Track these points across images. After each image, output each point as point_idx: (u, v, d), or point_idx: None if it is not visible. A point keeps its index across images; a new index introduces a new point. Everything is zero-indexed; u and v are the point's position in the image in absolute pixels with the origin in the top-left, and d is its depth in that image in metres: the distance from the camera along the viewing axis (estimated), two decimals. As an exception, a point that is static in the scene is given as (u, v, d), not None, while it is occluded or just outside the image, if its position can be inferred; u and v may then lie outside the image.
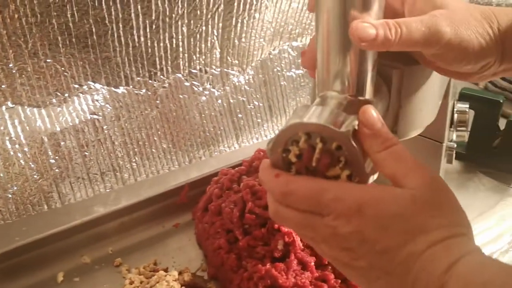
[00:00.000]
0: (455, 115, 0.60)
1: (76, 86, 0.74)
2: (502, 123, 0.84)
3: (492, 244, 0.68)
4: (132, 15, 0.73)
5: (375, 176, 0.38)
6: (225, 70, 0.89)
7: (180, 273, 0.63)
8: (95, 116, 0.77)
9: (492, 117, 0.83)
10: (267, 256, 0.58)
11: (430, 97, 0.47)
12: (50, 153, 0.74)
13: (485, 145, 0.85)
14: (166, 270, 0.63)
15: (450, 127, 0.60)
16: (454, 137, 0.61)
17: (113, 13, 0.71)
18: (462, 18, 0.39)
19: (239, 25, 0.85)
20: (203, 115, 0.89)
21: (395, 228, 0.33)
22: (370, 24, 0.36)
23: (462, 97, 0.81)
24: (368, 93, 0.40)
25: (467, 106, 0.60)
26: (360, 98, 0.39)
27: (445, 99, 0.54)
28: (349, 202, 0.34)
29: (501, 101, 0.81)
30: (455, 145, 0.62)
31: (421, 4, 0.40)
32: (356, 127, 0.36)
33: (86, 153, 0.78)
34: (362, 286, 0.37)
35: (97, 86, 0.76)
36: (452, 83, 0.54)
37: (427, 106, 0.46)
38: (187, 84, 0.85)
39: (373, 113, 0.36)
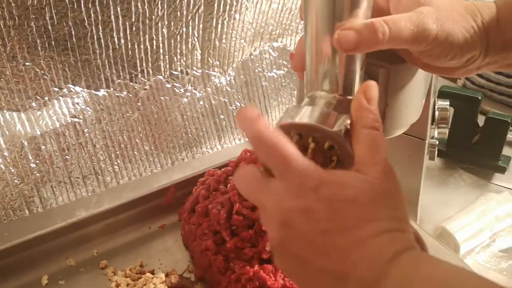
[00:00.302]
0: (436, 113, 0.61)
1: (56, 89, 0.73)
2: (481, 120, 0.86)
3: (473, 239, 0.69)
4: (112, 17, 0.72)
5: None
6: (206, 71, 0.89)
7: (167, 275, 0.63)
8: (75, 120, 0.76)
9: (471, 114, 0.84)
10: (255, 257, 0.58)
11: (416, 96, 0.47)
12: (30, 157, 0.73)
13: (465, 141, 0.87)
14: (152, 272, 0.63)
15: (432, 124, 0.61)
16: (436, 134, 0.62)
17: (92, 15, 0.70)
18: (447, 13, 0.39)
19: (219, 26, 0.85)
20: (185, 117, 0.89)
21: (345, 212, 0.33)
22: (352, 29, 0.36)
23: (442, 94, 0.82)
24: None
25: (448, 103, 0.61)
26: (349, 97, 0.39)
27: (427, 97, 0.55)
28: (311, 178, 0.34)
29: (480, 98, 0.83)
30: (437, 142, 0.63)
31: (406, 1, 0.40)
32: (348, 127, 0.36)
33: (67, 157, 0.77)
34: (290, 270, 0.35)
35: (77, 89, 0.75)
36: (433, 81, 0.55)
37: (412, 104, 0.47)
38: (168, 85, 0.85)
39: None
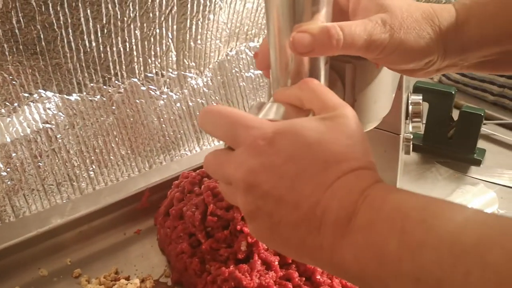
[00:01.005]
0: (410, 107, 0.61)
1: (26, 95, 0.71)
2: (455, 114, 0.86)
3: (451, 232, 0.69)
4: (82, 19, 0.71)
5: None
6: (182, 73, 0.88)
7: (142, 281, 0.61)
8: (48, 125, 0.75)
9: (446, 109, 0.85)
10: (230, 258, 0.57)
11: (384, 90, 0.47)
12: (1, 165, 0.71)
13: (441, 136, 0.87)
14: (127, 279, 0.62)
15: (406, 119, 0.61)
16: (410, 128, 0.62)
17: (61, 18, 0.69)
18: (402, 20, 0.39)
19: (193, 27, 0.84)
20: (161, 120, 0.88)
21: (305, 159, 0.32)
22: (307, 32, 0.36)
23: (416, 90, 0.83)
24: None
25: (421, 97, 0.61)
26: None
27: (399, 92, 0.55)
28: (263, 132, 0.33)
29: (453, 92, 0.83)
30: (412, 136, 0.63)
31: (365, 3, 0.40)
32: None
33: (40, 164, 0.75)
34: (266, 234, 0.34)
35: (49, 94, 0.73)
36: (405, 76, 0.55)
37: (381, 99, 0.47)
38: (143, 88, 0.84)
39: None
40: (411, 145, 0.63)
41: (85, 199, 0.79)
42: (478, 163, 0.85)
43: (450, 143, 0.87)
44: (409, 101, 0.60)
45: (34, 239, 0.65)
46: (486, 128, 0.95)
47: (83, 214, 0.69)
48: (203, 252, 0.59)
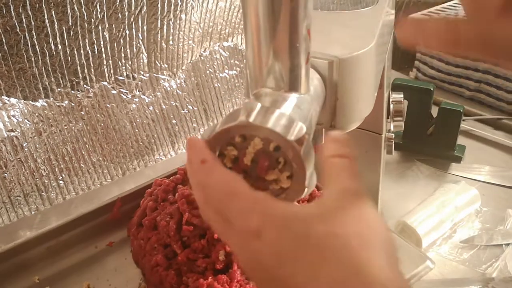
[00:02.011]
0: (391, 106, 0.59)
1: (-12, 102, 0.67)
2: (434, 111, 0.85)
3: (434, 231, 0.68)
4: (46, 21, 0.67)
5: (314, 181, 0.35)
6: (155, 75, 0.85)
7: (117, 296, 0.59)
8: (12, 134, 0.71)
9: (425, 106, 0.84)
10: (208, 268, 0.55)
11: (367, 88, 0.45)
12: (-37, 177, 0.67)
13: (420, 133, 0.86)
14: (101, 294, 0.59)
15: (387, 118, 0.60)
16: (392, 128, 0.61)
17: (24, 20, 0.65)
18: None
19: (165, 27, 0.81)
20: (134, 124, 0.85)
21: (294, 258, 0.28)
22: None
23: (395, 87, 0.82)
24: (303, 88, 0.38)
25: (402, 96, 0.60)
26: (295, 93, 0.37)
27: (381, 90, 0.53)
28: (252, 221, 0.29)
29: (432, 89, 0.82)
30: (394, 136, 0.62)
31: None
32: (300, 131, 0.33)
33: (6, 174, 0.71)
34: None
35: (13, 100, 0.70)
36: (386, 74, 0.53)
37: (364, 97, 0.45)
38: (114, 92, 0.80)
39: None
40: (393, 145, 0.61)
41: (55, 210, 0.76)
42: (458, 159, 0.85)
43: (430, 140, 0.86)
44: (390, 100, 0.58)
45: (-1, 256, 0.61)
46: (465, 124, 0.95)
47: (51, 228, 0.65)
48: (179, 263, 0.56)
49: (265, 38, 0.35)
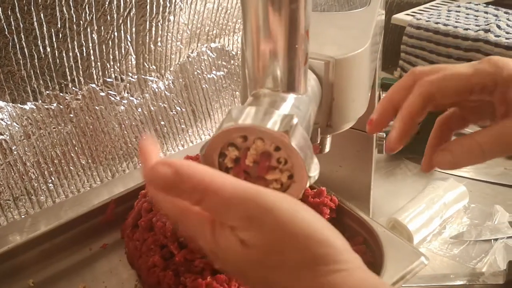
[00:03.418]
0: (382, 105, 0.60)
1: (-24, 105, 0.67)
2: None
3: (424, 228, 0.70)
4: (35, 24, 0.67)
5: (316, 176, 0.36)
6: (143, 76, 0.85)
7: (113, 298, 0.58)
8: (1, 137, 0.70)
9: (412, 105, 0.85)
10: (206, 268, 0.55)
11: (362, 88, 0.46)
12: (-49, 182, 0.66)
13: (407, 132, 0.87)
14: (97, 297, 0.59)
15: (378, 117, 0.60)
16: (382, 127, 0.62)
17: (12, 23, 0.64)
18: None
19: (153, 29, 0.81)
20: (123, 126, 0.84)
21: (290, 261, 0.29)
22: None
23: (382, 86, 0.83)
24: (301, 88, 0.38)
25: (392, 95, 0.61)
26: (293, 94, 0.37)
27: (372, 90, 0.54)
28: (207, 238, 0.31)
29: (419, 88, 0.84)
30: (385, 135, 0.62)
31: None
32: (294, 124, 0.34)
33: (-5, 178, 0.70)
34: None
35: (1, 103, 0.69)
36: (377, 74, 0.54)
37: (359, 97, 0.45)
38: (102, 94, 0.80)
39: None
40: (384, 144, 0.62)
41: (45, 214, 0.75)
42: (445, 157, 0.86)
43: (418, 139, 0.87)
44: (381, 99, 0.59)
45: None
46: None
47: (45, 231, 0.64)
48: (176, 264, 0.56)
49: (264, 39, 0.36)
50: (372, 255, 0.59)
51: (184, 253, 0.56)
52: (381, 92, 0.59)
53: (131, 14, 0.77)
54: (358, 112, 0.47)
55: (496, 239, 0.69)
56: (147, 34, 0.81)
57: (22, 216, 0.74)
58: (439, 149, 0.37)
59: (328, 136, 0.49)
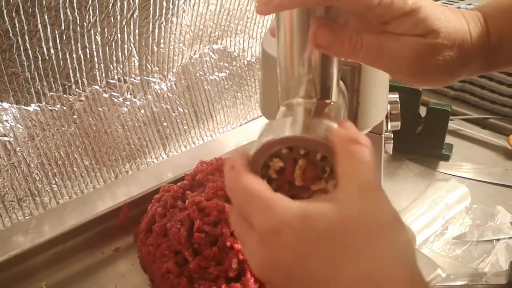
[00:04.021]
0: (388, 106, 0.60)
1: (-19, 107, 0.67)
2: (422, 111, 0.87)
3: (427, 229, 0.70)
4: (39, 26, 0.67)
5: None
6: (146, 78, 0.85)
7: (123, 301, 0.58)
8: (5, 138, 0.70)
9: (414, 106, 0.86)
10: (221, 276, 0.54)
11: (383, 92, 0.47)
12: (-44, 183, 0.66)
13: (409, 132, 0.88)
14: (107, 300, 0.59)
15: (385, 118, 0.61)
16: (389, 127, 0.62)
17: (17, 25, 0.65)
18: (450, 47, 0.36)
19: (156, 30, 0.81)
20: (126, 127, 0.85)
21: (315, 256, 0.28)
22: (332, 29, 0.34)
23: (390, 89, 0.83)
24: (334, 96, 0.38)
25: (397, 96, 0.61)
26: (327, 101, 0.37)
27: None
28: (271, 220, 0.29)
29: (420, 89, 0.84)
30: (392, 135, 0.63)
31: (408, 21, 0.35)
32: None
33: (-1, 180, 0.71)
34: None
35: (5, 105, 0.69)
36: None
37: (381, 101, 0.46)
38: (105, 95, 0.80)
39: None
40: (392, 144, 0.63)
41: (49, 215, 0.75)
42: (446, 158, 0.87)
43: (419, 139, 0.88)
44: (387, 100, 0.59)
45: (5, 264, 0.60)
46: (452, 123, 0.97)
47: (58, 234, 0.65)
48: (190, 271, 0.55)
49: (298, 50, 0.36)
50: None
51: (199, 260, 0.56)
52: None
53: (135, 16, 0.77)
54: (380, 116, 0.47)
55: (498, 240, 0.70)
56: (150, 36, 0.81)
57: (26, 217, 0.74)
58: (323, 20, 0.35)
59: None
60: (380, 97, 0.46)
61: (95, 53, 0.75)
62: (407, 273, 0.29)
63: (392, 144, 0.63)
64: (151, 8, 0.78)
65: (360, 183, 0.30)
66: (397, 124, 0.61)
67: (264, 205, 0.30)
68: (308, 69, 0.37)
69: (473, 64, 0.38)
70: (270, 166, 0.35)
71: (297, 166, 0.34)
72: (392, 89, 0.81)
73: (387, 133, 0.62)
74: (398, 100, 0.61)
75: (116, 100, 0.82)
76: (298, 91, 0.37)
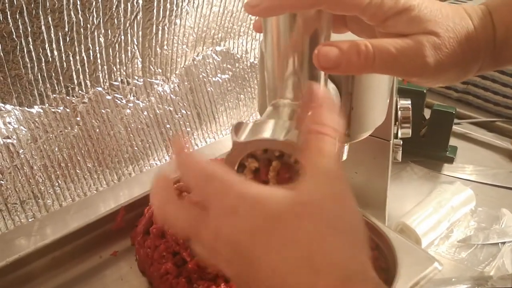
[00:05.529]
0: (399, 112, 0.60)
1: (-16, 109, 0.66)
2: (426, 113, 0.87)
3: (432, 231, 0.70)
4: (43, 27, 0.67)
5: None
6: (149, 79, 0.85)
7: (123, 304, 0.58)
8: (8, 140, 0.70)
9: (418, 108, 0.85)
10: (219, 275, 0.55)
11: (381, 96, 0.46)
12: (-41, 186, 0.66)
13: (414, 135, 0.87)
14: (107, 303, 0.58)
15: (395, 124, 0.60)
16: (399, 134, 0.61)
17: (21, 26, 0.64)
18: (447, 45, 0.36)
19: (160, 32, 0.81)
20: (129, 129, 0.84)
21: (262, 235, 0.28)
22: (336, 47, 0.33)
23: (399, 92, 0.83)
24: None
25: (409, 102, 0.60)
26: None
27: (390, 97, 0.54)
28: (229, 200, 0.29)
29: (425, 91, 0.84)
30: (401, 142, 0.62)
31: (405, 18, 0.35)
32: None
33: (2, 182, 0.70)
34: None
35: (8, 107, 0.69)
36: (394, 80, 0.54)
37: (378, 106, 0.45)
38: (109, 97, 0.80)
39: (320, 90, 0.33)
40: (401, 151, 0.62)
41: (51, 217, 0.75)
42: (451, 160, 0.87)
43: (423, 142, 0.87)
44: (398, 106, 0.59)
45: (3, 269, 0.59)
46: (456, 126, 0.97)
47: (55, 239, 0.64)
48: (189, 271, 0.55)
49: (286, 50, 0.36)
50: (385, 261, 0.59)
51: (197, 260, 0.56)
52: (398, 98, 0.59)
53: (138, 17, 0.77)
54: (377, 121, 0.46)
55: (503, 243, 0.70)
56: (154, 38, 0.81)
57: (29, 220, 0.74)
58: (326, 42, 0.35)
59: (346, 144, 0.49)
60: (377, 101, 0.45)
61: (98, 55, 0.75)
62: (349, 263, 0.28)
63: (401, 152, 0.62)
64: (154, 10, 0.78)
65: (319, 170, 0.30)
66: (408, 132, 0.60)
67: (221, 187, 0.30)
68: (294, 71, 0.36)
69: (483, 58, 0.38)
70: (245, 166, 0.35)
71: (271, 167, 0.34)
72: (404, 93, 0.81)
73: (396, 140, 0.61)
74: (410, 106, 0.59)
75: (119, 102, 0.82)
76: (284, 92, 0.37)
